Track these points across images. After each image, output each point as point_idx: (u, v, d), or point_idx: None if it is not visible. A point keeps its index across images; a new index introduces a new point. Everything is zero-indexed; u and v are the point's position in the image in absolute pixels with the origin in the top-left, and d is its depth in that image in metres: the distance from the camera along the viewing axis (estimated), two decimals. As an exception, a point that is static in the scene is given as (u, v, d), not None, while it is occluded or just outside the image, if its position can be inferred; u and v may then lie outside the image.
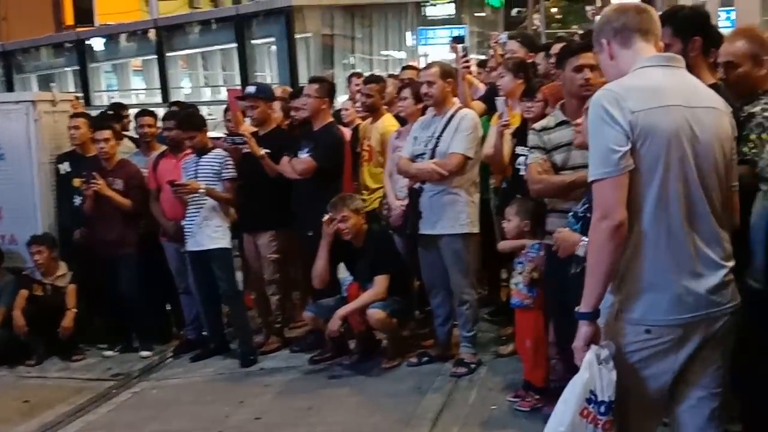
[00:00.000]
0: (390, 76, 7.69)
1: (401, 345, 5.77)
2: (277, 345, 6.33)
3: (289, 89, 7.52)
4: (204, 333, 6.52)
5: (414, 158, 5.33)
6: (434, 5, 25.25)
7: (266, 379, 5.77)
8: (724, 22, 12.55)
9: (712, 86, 3.13)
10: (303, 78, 12.68)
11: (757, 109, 3.35)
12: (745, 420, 3.47)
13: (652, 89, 2.61)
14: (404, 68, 7.99)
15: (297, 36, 14.52)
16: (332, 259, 5.65)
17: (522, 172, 4.83)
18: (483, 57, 12.39)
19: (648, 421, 2.77)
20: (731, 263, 2.69)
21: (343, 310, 5.51)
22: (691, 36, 3.35)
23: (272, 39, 15.24)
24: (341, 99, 8.36)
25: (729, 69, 3.46)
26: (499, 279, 6.47)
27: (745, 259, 3.09)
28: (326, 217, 5.52)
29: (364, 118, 6.67)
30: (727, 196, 2.73)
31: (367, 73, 8.80)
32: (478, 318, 5.64)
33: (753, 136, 3.30)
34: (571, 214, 3.47)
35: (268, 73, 16.53)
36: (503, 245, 4.95)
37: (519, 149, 5.03)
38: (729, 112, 2.81)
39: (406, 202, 5.49)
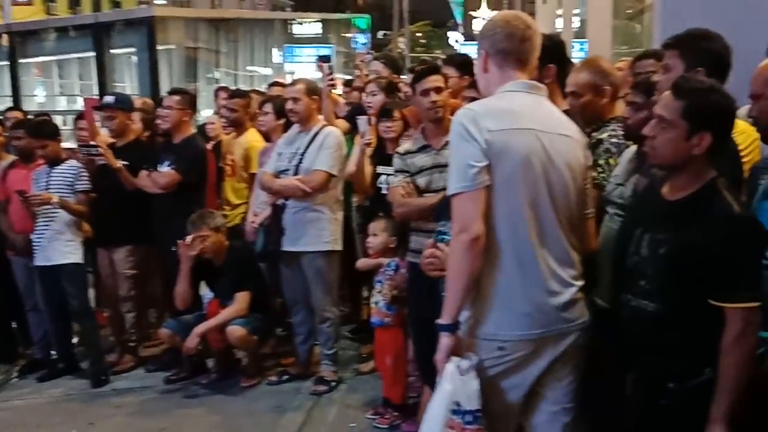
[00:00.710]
0: (254, 91, 7.63)
1: (261, 363, 5.70)
2: (131, 364, 6.11)
3: (150, 101, 7.30)
4: (53, 352, 6.21)
5: (278, 174, 5.30)
6: (301, 23, 25.32)
7: (118, 399, 5.55)
8: (578, 52, 13.21)
9: (564, 113, 3.28)
10: (165, 90, 12.38)
11: (604, 135, 3.53)
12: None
13: (511, 112, 2.70)
14: (271, 84, 7.95)
15: (159, 47, 14.16)
16: (193, 278, 5.52)
17: (383, 191, 4.92)
18: (348, 77, 12.50)
19: (508, 430, 2.85)
20: (581, 282, 2.80)
21: (201, 328, 5.38)
22: (547, 64, 3.49)
23: (133, 49, 14.81)
24: (206, 113, 8.22)
25: (574, 98, 3.64)
26: (360, 296, 6.51)
27: (593, 279, 3.23)
28: (185, 240, 5.41)
29: (228, 134, 6.59)
30: (579, 221, 2.84)
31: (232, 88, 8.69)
32: (339, 336, 5.65)
33: (601, 162, 3.47)
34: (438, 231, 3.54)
35: (129, 84, 16.05)
36: (362, 263, 4.99)
37: (380, 168, 5.10)
38: (584, 142, 2.93)
39: (260, 218, 5.45)
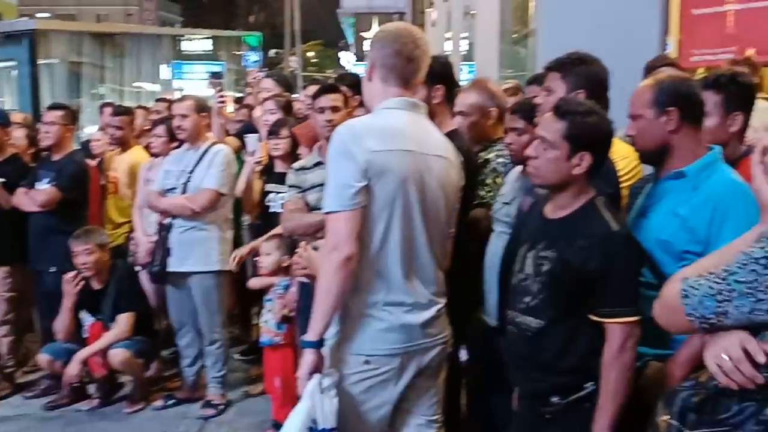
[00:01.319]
0: (140, 107, 7.46)
1: (146, 387, 5.51)
2: (7, 391, 5.81)
3: (30, 117, 7.03)
4: None
5: (165, 192, 5.17)
6: (191, 40, 24.98)
7: (-6, 428, 5.28)
8: (466, 74, 13.50)
9: (452, 132, 3.34)
10: (46, 105, 11.96)
11: (491, 155, 3.61)
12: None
13: (392, 131, 2.71)
14: (157, 100, 7.79)
15: (41, 62, 13.69)
16: (74, 308, 5.33)
17: (272, 209, 4.87)
18: (239, 94, 12.39)
19: None
20: (444, 300, 2.87)
21: (83, 353, 5.18)
22: (436, 84, 3.55)
23: (14, 63, 14.26)
24: (90, 130, 7.99)
25: (462, 118, 3.71)
26: (250, 317, 6.41)
27: (480, 297, 3.29)
28: (68, 276, 5.21)
29: (113, 150, 6.41)
30: (446, 241, 2.90)
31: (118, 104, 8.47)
32: (228, 357, 5.54)
33: (489, 181, 3.54)
34: None
35: (8, 99, 15.44)
36: (253, 283, 4.93)
37: (269, 186, 5.07)
38: (458, 163, 2.97)
39: (155, 238, 5.31)
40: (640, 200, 2.84)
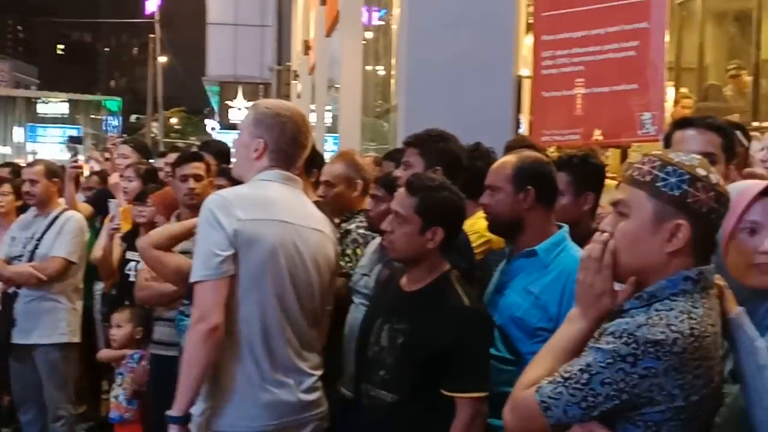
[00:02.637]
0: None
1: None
2: None
3: None
4: None
5: (10, 260, 4.92)
6: (47, 102, 24.20)
7: None
8: (331, 146, 13.67)
9: (315, 204, 3.35)
10: None
11: (352, 226, 3.65)
12: None
13: (265, 201, 2.70)
14: (2, 165, 7.46)
15: None
16: None
17: (132, 278, 4.72)
18: (97, 163, 12.01)
19: None
20: (320, 372, 2.82)
21: None
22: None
23: None
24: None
25: (327, 188, 3.74)
26: (100, 391, 6.11)
27: (338, 369, 3.26)
28: None
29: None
30: (321, 315, 2.88)
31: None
32: (74, 435, 5.24)
33: (349, 251, 3.56)
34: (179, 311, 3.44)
35: None
36: (103, 354, 4.71)
37: (129, 254, 4.91)
38: (334, 238, 2.99)
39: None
40: (496, 277, 2.91)
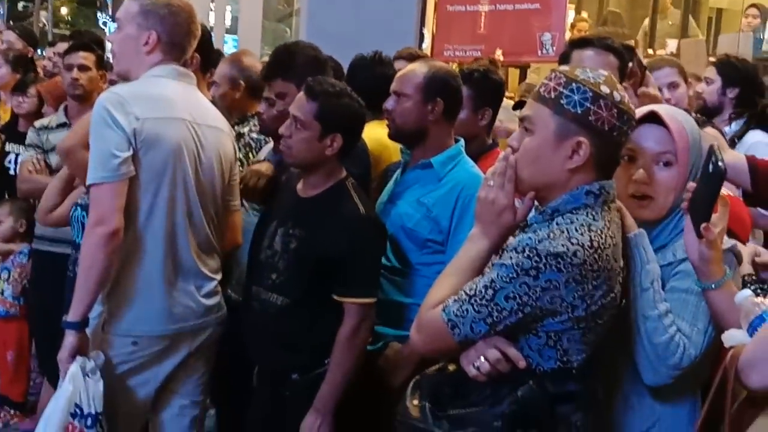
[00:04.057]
0: None
1: None
2: None
3: None
4: None
5: None
6: None
7: None
8: (230, 48, 13.30)
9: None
10: None
11: (245, 129, 3.57)
12: (220, 428, 3.64)
13: (163, 99, 2.61)
14: None
15: None
16: None
17: (12, 171, 4.55)
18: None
19: (135, 425, 2.78)
20: (219, 275, 2.81)
21: None
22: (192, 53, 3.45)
23: None
24: None
25: (214, 88, 3.66)
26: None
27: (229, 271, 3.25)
28: None
29: None
30: (224, 214, 2.85)
31: None
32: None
33: (241, 155, 3.50)
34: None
35: None
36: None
37: (9, 146, 4.72)
38: (232, 134, 2.93)
39: None
40: (389, 186, 2.92)
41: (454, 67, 5.48)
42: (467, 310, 1.75)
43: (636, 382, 1.97)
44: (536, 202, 1.87)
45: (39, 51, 7.63)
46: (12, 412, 4.35)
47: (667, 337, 1.88)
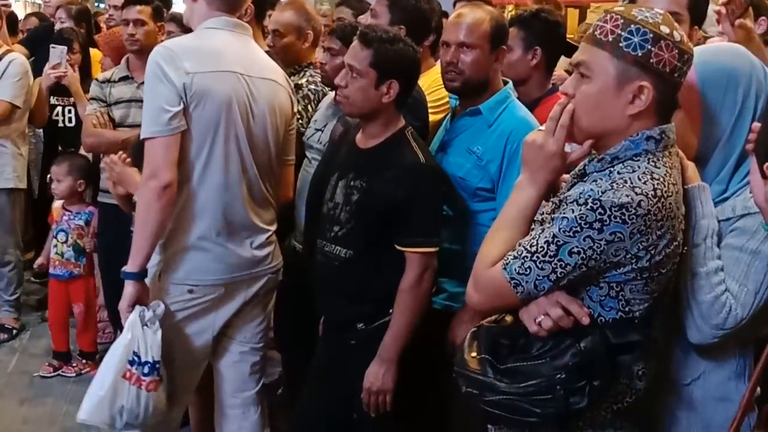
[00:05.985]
0: None
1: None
2: None
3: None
4: None
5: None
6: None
7: None
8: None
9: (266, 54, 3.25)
10: None
11: (303, 81, 3.54)
12: (286, 375, 3.73)
13: (213, 52, 2.61)
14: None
15: None
16: None
17: (60, 124, 4.81)
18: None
19: (194, 372, 2.85)
20: (274, 227, 2.84)
21: None
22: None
23: None
24: None
25: (276, 38, 3.62)
26: (47, 238, 6.07)
27: (292, 223, 3.28)
28: None
29: None
30: (279, 168, 2.86)
31: None
32: (23, 280, 5.24)
33: (300, 108, 3.49)
34: None
35: None
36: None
37: (53, 99, 4.88)
38: (289, 87, 2.91)
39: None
40: (439, 134, 2.88)
41: (511, 8, 5.35)
42: (530, 267, 1.71)
43: (682, 335, 1.91)
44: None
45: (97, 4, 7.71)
46: (84, 362, 4.51)
47: (713, 296, 1.81)
